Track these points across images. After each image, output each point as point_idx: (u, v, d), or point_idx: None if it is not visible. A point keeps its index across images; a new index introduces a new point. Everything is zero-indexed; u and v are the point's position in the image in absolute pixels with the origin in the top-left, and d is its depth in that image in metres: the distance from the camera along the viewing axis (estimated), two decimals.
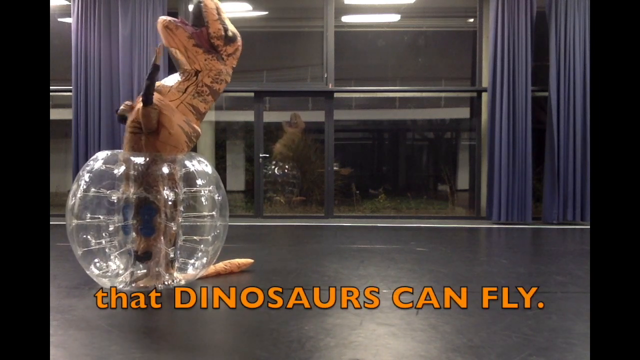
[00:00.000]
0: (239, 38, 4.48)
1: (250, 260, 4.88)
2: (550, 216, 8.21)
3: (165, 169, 4.18)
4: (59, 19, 9.22)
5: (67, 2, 8.60)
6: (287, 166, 10.18)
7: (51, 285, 4.20)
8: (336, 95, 9.13)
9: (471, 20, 9.69)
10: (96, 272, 4.20)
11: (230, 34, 4.38)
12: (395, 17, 10.19)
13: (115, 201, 4.13)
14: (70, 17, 8.49)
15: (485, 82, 8.62)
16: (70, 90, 8.48)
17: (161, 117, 4.16)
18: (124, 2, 8.33)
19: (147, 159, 4.16)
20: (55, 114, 6.74)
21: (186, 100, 4.30)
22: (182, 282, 4.31)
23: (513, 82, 8.20)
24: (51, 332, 3.09)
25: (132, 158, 4.19)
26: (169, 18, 4.34)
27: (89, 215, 4.13)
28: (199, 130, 4.42)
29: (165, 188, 4.16)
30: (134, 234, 4.15)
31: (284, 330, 3.23)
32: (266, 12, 10.24)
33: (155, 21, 8.29)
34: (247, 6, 9.76)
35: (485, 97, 8.68)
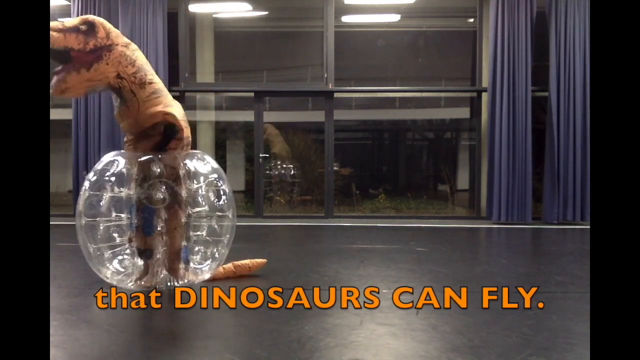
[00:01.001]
0: (90, 19, 4.09)
1: (263, 261, 4.79)
2: (550, 216, 8.21)
3: (165, 167, 4.17)
4: (59, 19, 9.22)
5: (67, 2, 8.60)
6: (290, 166, 10.18)
7: (51, 285, 4.21)
8: (336, 95, 9.13)
9: (471, 20, 9.70)
10: (117, 270, 4.22)
11: (84, 28, 4.02)
12: (395, 17, 10.20)
13: (125, 200, 4.15)
14: (70, 17, 8.48)
15: (485, 82, 8.62)
16: None
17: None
18: (124, 2, 8.34)
19: (147, 157, 4.16)
20: (55, 114, 6.73)
21: (142, 99, 4.17)
22: (195, 282, 4.31)
23: (513, 82, 8.20)
24: (51, 332, 3.09)
25: (133, 157, 4.20)
26: (52, 86, 4.03)
27: (114, 214, 4.19)
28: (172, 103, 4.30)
29: (165, 186, 4.15)
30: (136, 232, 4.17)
31: (284, 330, 3.23)
32: (266, 12, 10.25)
33: (155, 21, 8.35)
34: (247, 6, 9.77)
35: (485, 97, 8.68)
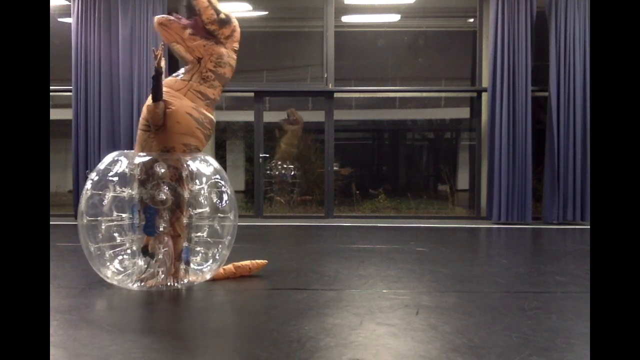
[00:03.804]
0: (233, 19, 4.55)
1: (263, 262, 4.76)
2: (550, 216, 8.21)
3: (168, 168, 4.16)
4: (59, 19, 9.22)
5: (67, 2, 8.60)
6: (291, 166, 10.18)
7: (51, 285, 4.20)
8: (336, 95, 9.13)
9: (471, 20, 9.70)
10: (117, 270, 4.22)
11: (223, 16, 4.45)
12: (395, 17, 10.20)
13: (127, 200, 4.16)
14: (70, 17, 8.48)
15: (485, 82, 8.62)
16: (70, 90, 8.48)
17: (166, 109, 4.19)
18: (124, 2, 8.33)
19: (150, 158, 4.17)
20: (55, 114, 6.74)
21: (192, 87, 4.36)
22: (196, 282, 4.31)
23: (513, 82, 8.19)
24: (51, 332, 3.09)
25: (137, 158, 4.20)
26: (162, 15, 4.46)
27: (115, 214, 4.20)
28: (211, 116, 4.44)
29: (168, 187, 4.14)
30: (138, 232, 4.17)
31: (284, 330, 3.23)
32: (266, 12, 10.25)
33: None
34: (247, 6, 9.77)
35: (485, 97, 8.68)
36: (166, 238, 4.17)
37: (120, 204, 4.18)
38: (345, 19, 9.83)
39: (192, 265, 4.37)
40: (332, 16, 8.74)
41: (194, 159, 4.32)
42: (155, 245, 4.17)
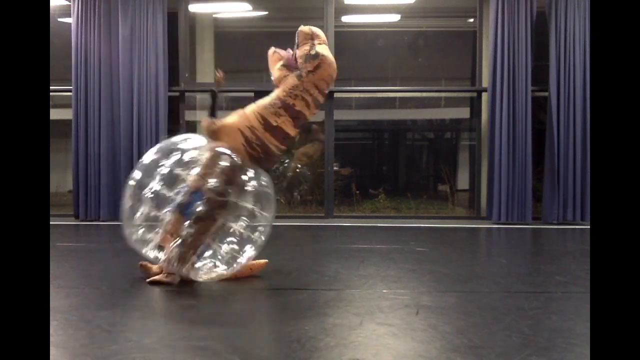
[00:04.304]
0: (319, 57, 4.49)
1: (263, 261, 4.74)
2: (550, 216, 8.21)
3: (229, 167, 4.24)
4: (59, 19, 9.22)
5: (67, 2, 8.59)
6: (298, 166, 10.16)
7: (51, 285, 4.20)
8: (336, 95, 9.13)
9: (471, 20, 9.70)
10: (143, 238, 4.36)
11: (313, 52, 4.47)
12: (395, 17, 10.20)
13: (178, 176, 4.33)
14: (70, 17, 8.48)
15: (485, 82, 8.61)
16: (70, 90, 8.47)
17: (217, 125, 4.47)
18: (124, 2, 8.33)
19: (221, 150, 4.31)
20: (55, 114, 6.73)
21: (256, 110, 4.50)
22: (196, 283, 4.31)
23: (513, 82, 8.19)
24: (51, 332, 3.08)
25: (212, 145, 4.38)
26: (273, 48, 4.78)
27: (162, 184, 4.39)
28: (269, 145, 4.43)
29: (223, 184, 4.19)
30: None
31: (284, 330, 3.23)
32: (266, 12, 10.25)
33: (154, 21, 8.35)
34: (247, 6, 9.77)
35: (485, 97, 8.68)
36: (186, 231, 4.15)
37: (171, 179, 4.33)
38: (345, 19, 9.84)
39: (199, 264, 4.36)
40: (332, 16, 8.73)
41: (251, 168, 4.40)
42: (164, 240, 4.19)
